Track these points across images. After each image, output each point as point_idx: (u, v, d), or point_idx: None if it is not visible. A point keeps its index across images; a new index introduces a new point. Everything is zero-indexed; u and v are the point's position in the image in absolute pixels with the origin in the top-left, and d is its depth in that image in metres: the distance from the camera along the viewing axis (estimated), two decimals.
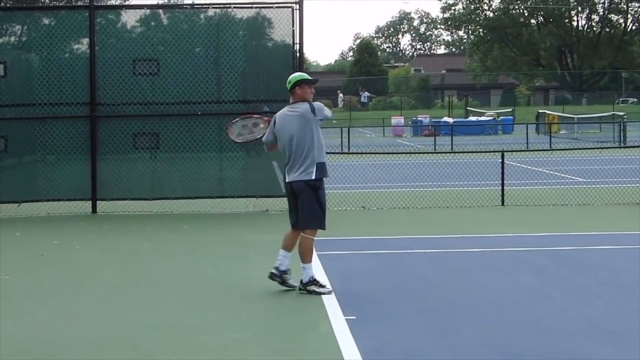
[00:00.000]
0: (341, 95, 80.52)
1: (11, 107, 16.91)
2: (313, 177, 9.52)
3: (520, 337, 7.92)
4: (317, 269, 10.93)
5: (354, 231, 14.33)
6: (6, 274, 11.13)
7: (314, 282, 9.51)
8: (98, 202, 16.82)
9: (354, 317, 8.50)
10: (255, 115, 10.72)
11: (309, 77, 9.86)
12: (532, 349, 7.58)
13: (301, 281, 9.56)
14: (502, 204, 17.14)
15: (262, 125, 10.27)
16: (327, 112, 9.83)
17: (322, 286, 9.54)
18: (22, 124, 17.02)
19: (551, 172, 24.15)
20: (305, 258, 9.56)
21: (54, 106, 16.87)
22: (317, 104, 9.72)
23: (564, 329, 8.15)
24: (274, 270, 9.76)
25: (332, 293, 9.41)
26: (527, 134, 38.26)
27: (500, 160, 17.93)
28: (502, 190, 17.35)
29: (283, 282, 9.73)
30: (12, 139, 16.94)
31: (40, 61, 17.13)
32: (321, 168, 9.58)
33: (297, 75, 9.90)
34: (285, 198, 16.72)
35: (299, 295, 9.66)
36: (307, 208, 9.54)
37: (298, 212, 9.62)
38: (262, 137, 10.16)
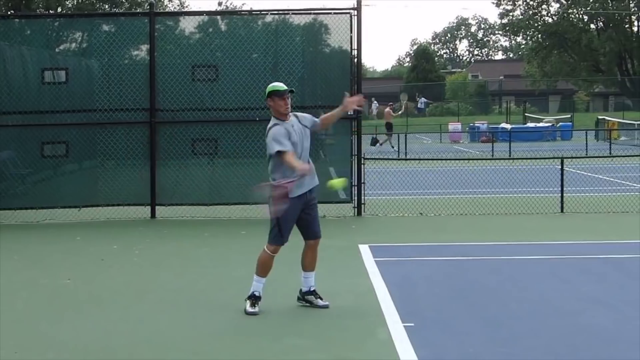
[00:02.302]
0: (376, 103, 79.22)
1: (72, 113, 17.09)
2: None
3: (581, 346, 7.83)
4: (374, 276, 10.94)
5: (412, 237, 14.29)
6: (67, 278, 11.27)
7: (251, 297, 9.12)
8: (157, 207, 16.95)
9: (412, 324, 8.47)
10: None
11: (279, 88, 9.21)
12: (593, 358, 7.49)
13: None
14: (562, 211, 16.98)
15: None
16: (274, 147, 8.97)
17: (254, 305, 9.08)
18: (83, 130, 17.19)
19: (611, 179, 23.87)
20: (257, 269, 9.23)
21: (114, 112, 17.04)
22: (272, 131, 9.07)
23: (627, 339, 8.04)
24: (298, 293, 9.52)
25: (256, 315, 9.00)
26: (586, 141, 37.88)
27: (560, 166, 17.77)
28: (562, 197, 17.19)
29: (310, 303, 9.39)
30: (72, 144, 17.13)
31: (100, 67, 17.32)
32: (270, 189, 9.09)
33: (269, 86, 9.30)
34: (343, 204, 16.93)
35: (357, 301, 9.66)
36: (270, 221, 9.26)
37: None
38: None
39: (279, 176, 9.05)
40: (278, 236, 9.16)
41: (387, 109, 45.54)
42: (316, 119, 9.43)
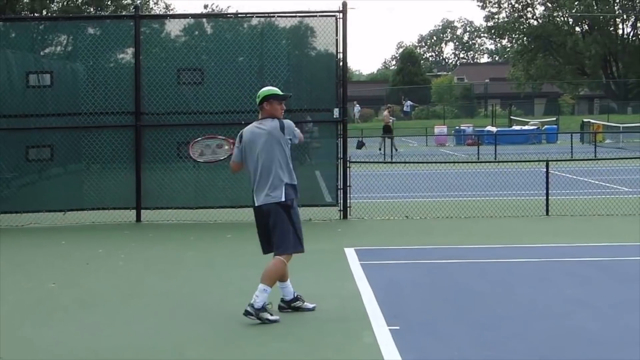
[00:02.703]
0: (358, 106, 78.44)
1: (57, 117, 17.04)
2: (283, 199, 8.90)
3: (567, 348, 7.85)
4: (360, 279, 10.94)
5: (398, 241, 14.29)
6: (52, 282, 11.24)
7: (265, 309, 8.80)
8: (142, 211, 16.91)
9: (397, 328, 8.47)
10: (220, 137, 9.98)
11: (279, 93, 9.23)
12: None
13: (252, 305, 8.76)
14: (547, 214, 17.01)
15: (226, 147, 9.62)
16: (298, 133, 9.22)
17: (272, 314, 8.85)
18: (68, 133, 17.14)
19: (596, 182, 23.93)
20: (271, 281, 8.86)
21: (99, 115, 16.99)
22: (287, 122, 9.11)
23: (611, 340, 8.07)
24: (280, 303, 9.24)
25: (278, 320, 8.82)
26: (571, 143, 37.98)
27: (545, 169, 17.80)
28: (547, 200, 17.21)
29: (297, 309, 9.24)
30: (57, 148, 17.08)
31: (85, 71, 17.27)
32: (290, 189, 8.97)
33: (266, 90, 9.21)
34: (329, 207, 16.91)
35: (343, 304, 9.65)
36: (281, 233, 8.92)
37: (271, 237, 9.03)
38: (225, 158, 9.62)
39: (288, 176, 9.04)
40: (298, 242, 9.04)
41: (386, 112, 45.71)
42: None
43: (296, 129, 9.23)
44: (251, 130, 9.18)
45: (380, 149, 40.19)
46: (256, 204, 9.12)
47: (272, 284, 8.92)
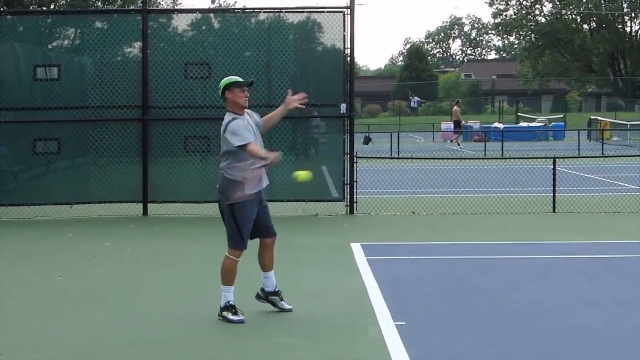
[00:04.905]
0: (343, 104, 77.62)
1: (64, 110, 17.06)
2: (222, 191, 8.84)
3: (572, 345, 7.84)
4: (366, 274, 10.94)
5: (404, 236, 14.29)
6: (58, 275, 11.26)
7: (227, 307, 8.75)
8: (149, 205, 16.93)
9: (403, 323, 8.47)
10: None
11: (239, 80, 8.88)
12: (583, 358, 7.51)
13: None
14: (554, 211, 17.00)
15: None
16: (233, 140, 8.58)
17: (236, 314, 8.70)
18: (75, 127, 17.17)
19: (603, 179, 23.90)
20: (223, 279, 8.81)
21: (106, 109, 17.01)
22: (231, 125, 8.64)
23: (616, 339, 8.06)
24: (258, 292, 9.17)
25: (244, 322, 8.62)
26: (578, 141, 37.93)
27: (552, 166, 17.79)
28: (554, 196, 17.20)
29: (274, 305, 9.09)
30: (64, 141, 17.10)
31: (93, 64, 17.29)
32: (226, 186, 8.79)
33: (226, 79, 8.88)
34: (335, 202, 16.93)
35: (348, 299, 9.66)
36: (226, 225, 8.89)
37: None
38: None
39: (238, 172, 8.69)
40: (239, 240, 8.84)
41: (456, 107, 46.35)
42: (260, 119, 9.05)
43: (234, 135, 8.61)
44: None
45: (459, 144, 41.62)
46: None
47: (225, 283, 8.77)
